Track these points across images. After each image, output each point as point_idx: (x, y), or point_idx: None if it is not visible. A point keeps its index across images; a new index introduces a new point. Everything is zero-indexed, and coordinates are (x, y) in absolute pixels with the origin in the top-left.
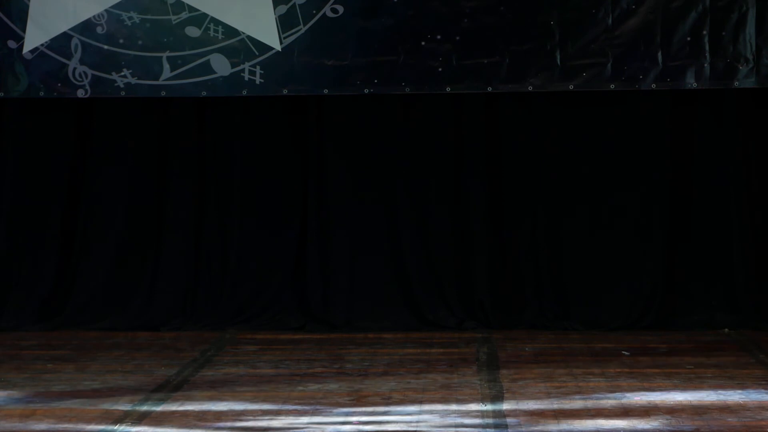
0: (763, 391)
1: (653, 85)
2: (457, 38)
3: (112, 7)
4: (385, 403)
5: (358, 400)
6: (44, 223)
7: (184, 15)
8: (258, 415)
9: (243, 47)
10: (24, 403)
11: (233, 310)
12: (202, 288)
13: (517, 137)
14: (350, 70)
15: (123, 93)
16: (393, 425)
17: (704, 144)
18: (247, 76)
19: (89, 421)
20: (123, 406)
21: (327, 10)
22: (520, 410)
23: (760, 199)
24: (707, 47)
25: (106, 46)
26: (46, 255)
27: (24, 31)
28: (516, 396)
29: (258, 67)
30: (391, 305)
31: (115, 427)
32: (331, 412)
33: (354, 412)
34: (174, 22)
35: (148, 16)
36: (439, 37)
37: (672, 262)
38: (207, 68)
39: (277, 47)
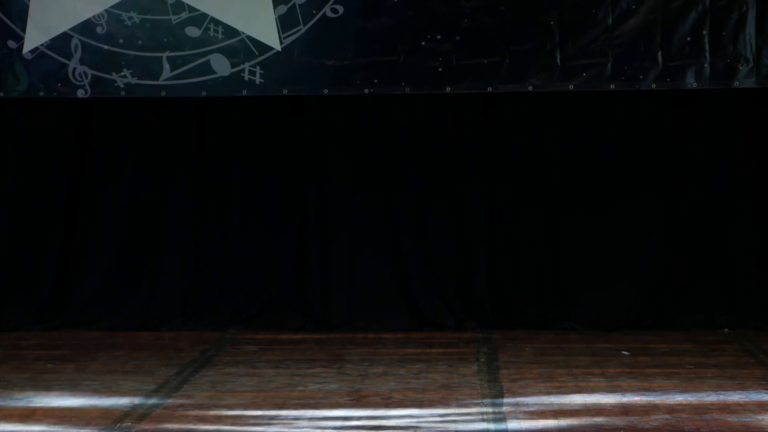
0: (763, 391)
1: (653, 85)
2: (457, 38)
3: (112, 7)
4: (385, 403)
5: (358, 400)
6: (44, 223)
7: (184, 15)
8: (258, 415)
9: (243, 47)
10: (24, 403)
11: (233, 310)
12: (202, 288)
13: (517, 137)
14: (350, 70)
15: (123, 93)
16: (393, 425)
17: (704, 144)
18: (247, 76)
19: (89, 421)
20: (123, 406)
21: (327, 10)
22: (520, 410)
23: (760, 199)
24: (707, 47)
25: (106, 46)
26: (46, 255)
27: (24, 31)
28: (516, 396)
29: (258, 67)
30: (391, 305)
31: (115, 427)
32: (331, 412)
33: (354, 412)
34: (174, 22)
35: (148, 16)
36: (439, 37)
37: (672, 262)
38: (207, 68)
39: (277, 47)
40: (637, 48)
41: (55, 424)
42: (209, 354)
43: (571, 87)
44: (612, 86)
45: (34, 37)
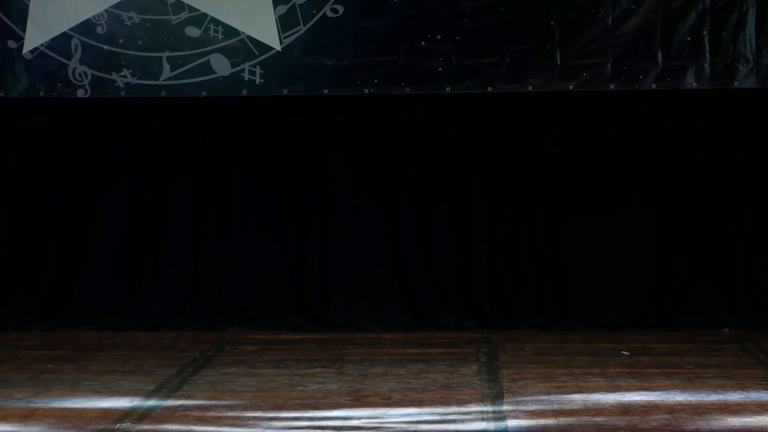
0: (763, 391)
1: (653, 85)
2: (457, 38)
3: (112, 7)
4: (385, 403)
5: (358, 400)
6: (44, 223)
7: (184, 15)
8: (258, 415)
9: (243, 47)
10: (24, 403)
11: (233, 310)
12: (202, 288)
13: (517, 137)
14: (350, 70)
15: (123, 93)
16: (393, 425)
17: (704, 144)
18: (247, 76)
19: (89, 421)
20: (123, 406)
21: (327, 10)
22: (520, 410)
23: (760, 199)
24: (707, 47)
25: (106, 46)
26: (46, 255)
27: (24, 31)
28: (516, 396)
29: (258, 67)
30: (391, 305)
31: (115, 427)
32: (331, 412)
33: (354, 412)
34: (174, 22)
35: (148, 16)
36: (439, 37)
37: (672, 262)
38: (207, 68)
39: (277, 47)
40: (637, 48)
41: (55, 424)
42: (209, 354)
43: (571, 87)
44: (612, 86)
45: (34, 37)
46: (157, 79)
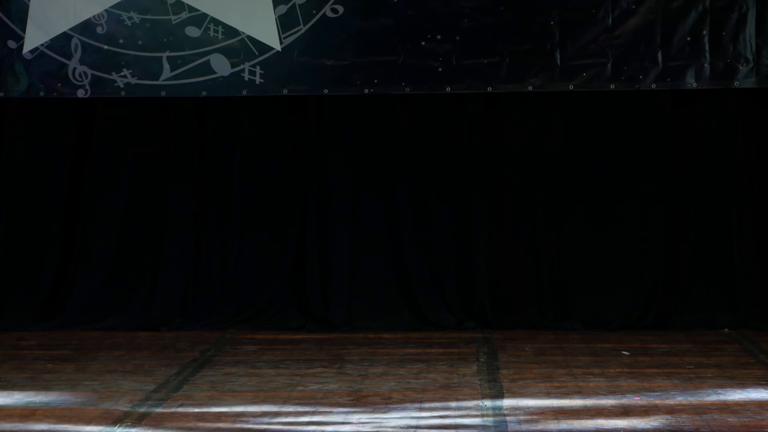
0: (763, 391)
1: (653, 85)
2: (457, 38)
3: (112, 7)
4: (385, 403)
5: (358, 400)
6: (44, 223)
7: (184, 15)
8: (258, 416)
9: (243, 47)
10: (24, 403)
11: (233, 310)
12: (202, 288)
13: (517, 137)
14: (350, 70)
15: (123, 93)
16: (393, 425)
17: (704, 144)
18: (247, 76)
19: (89, 421)
20: (123, 406)
21: (327, 10)
22: (520, 410)
23: (759, 199)
24: (707, 47)
25: (106, 46)
26: (46, 255)
27: (24, 31)
28: (516, 396)
29: (258, 67)
30: (391, 305)
31: (115, 427)
32: (331, 412)
33: (354, 412)
34: (174, 22)
35: (148, 16)
36: (439, 37)
37: (672, 262)
38: (207, 68)
39: (277, 47)
40: (637, 48)
41: (55, 424)
42: (209, 354)
43: (571, 87)
44: (612, 86)
45: (34, 37)
46: (157, 79)
